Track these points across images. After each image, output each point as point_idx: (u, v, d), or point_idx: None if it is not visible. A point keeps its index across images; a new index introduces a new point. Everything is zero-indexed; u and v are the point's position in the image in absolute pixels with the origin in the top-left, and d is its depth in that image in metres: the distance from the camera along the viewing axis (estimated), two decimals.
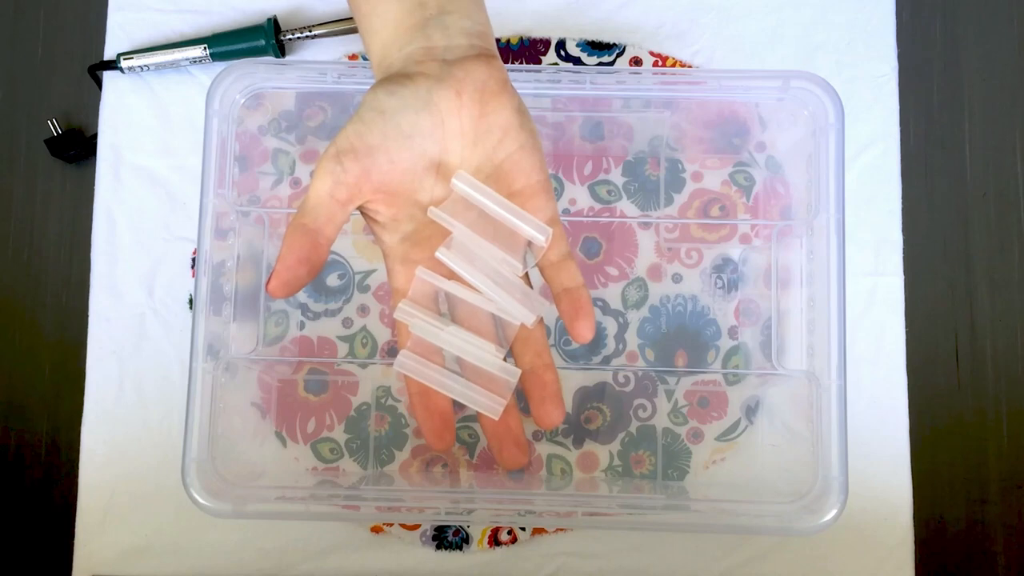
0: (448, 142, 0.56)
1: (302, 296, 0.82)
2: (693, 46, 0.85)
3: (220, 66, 0.83)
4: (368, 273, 0.83)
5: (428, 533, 0.80)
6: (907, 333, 0.82)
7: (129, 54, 0.84)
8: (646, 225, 0.83)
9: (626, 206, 0.83)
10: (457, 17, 0.57)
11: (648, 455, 0.81)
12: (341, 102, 0.76)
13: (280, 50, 0.84)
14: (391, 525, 0.80)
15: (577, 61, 0.85)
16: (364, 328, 0.82)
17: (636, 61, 0.85)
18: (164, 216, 0.84)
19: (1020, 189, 0.85)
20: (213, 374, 0.69)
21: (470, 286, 0.58)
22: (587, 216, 0.83)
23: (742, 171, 0.83)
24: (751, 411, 0.81)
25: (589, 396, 0.81)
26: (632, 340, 0.82)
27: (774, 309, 0.78)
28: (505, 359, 0.59)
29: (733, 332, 0.82)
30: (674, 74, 0.77)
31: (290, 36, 0.84)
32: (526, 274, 0.59)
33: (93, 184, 0.84)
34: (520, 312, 0.58)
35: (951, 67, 0.87)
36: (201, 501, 0.67)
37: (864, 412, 0.81)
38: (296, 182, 0.83)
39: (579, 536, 0.80)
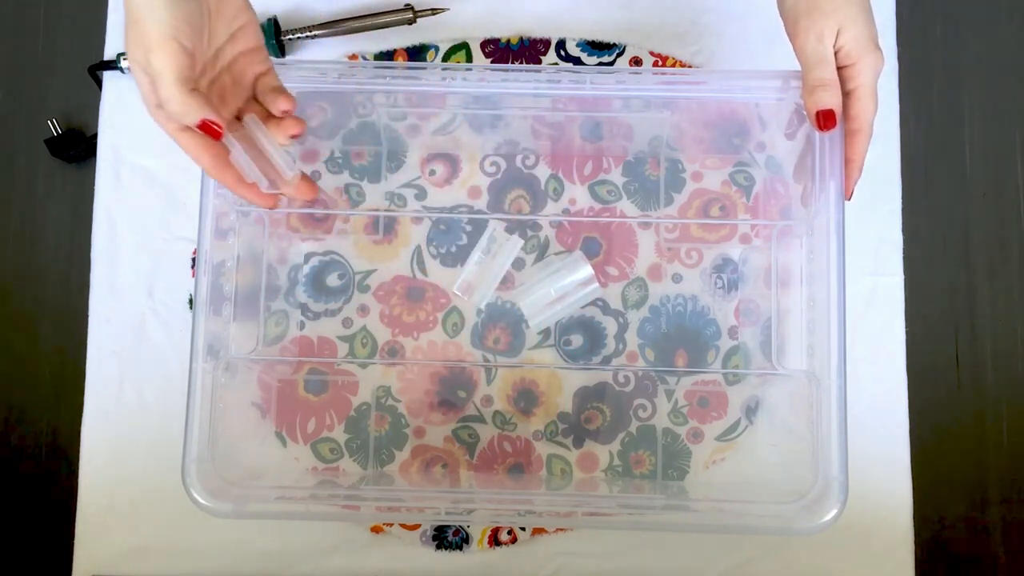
0: None
1: (302, 296, 0.82)
2: (693, 46, 0.85)
3: None
4: (368, 273, 0.83)
5: (428, 533, 0.80)
6: (907, 333, 0.82)
7: None
8: (646, 225, 0.83)
9: (626, 206, 0.83)
10: None
11: (648, 455, 0.81)
12: (341, 102, 0.76)
13: (280, 50, 0.84)
14: (391, 525, 0.80)
15: (577, 61, 0.85)
16: (364, 328, 0.82)
17: (636, 61, 0.85)
18: (164, 216, 0.84)
19: (1020, 189, 0.85)
20: (213, 374, 0.69)
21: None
22: (587, 216, 0.83)
23: (742, 171, 0.83)
24: (751, 411, 0.81)
25: (589, 396, 0.81)
26: (632, 340, 0.82)
27: (774, 309, 0.78)
28: None
29: (733, 332, 0.82)
30: (674, 74, 0.77)
31: (290, 36, 0.84)
32: None
33: (93, 184, 0.84)
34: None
35: (951, 67, 0.87)
36: (201, 501, 0.67)
37: (864, 412, 0.81)
38: None
39: (579, 536, 0.80)
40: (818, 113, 0.67)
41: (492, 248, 0.82)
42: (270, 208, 0.67)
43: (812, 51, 0.66)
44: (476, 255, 0.82)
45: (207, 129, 0.62)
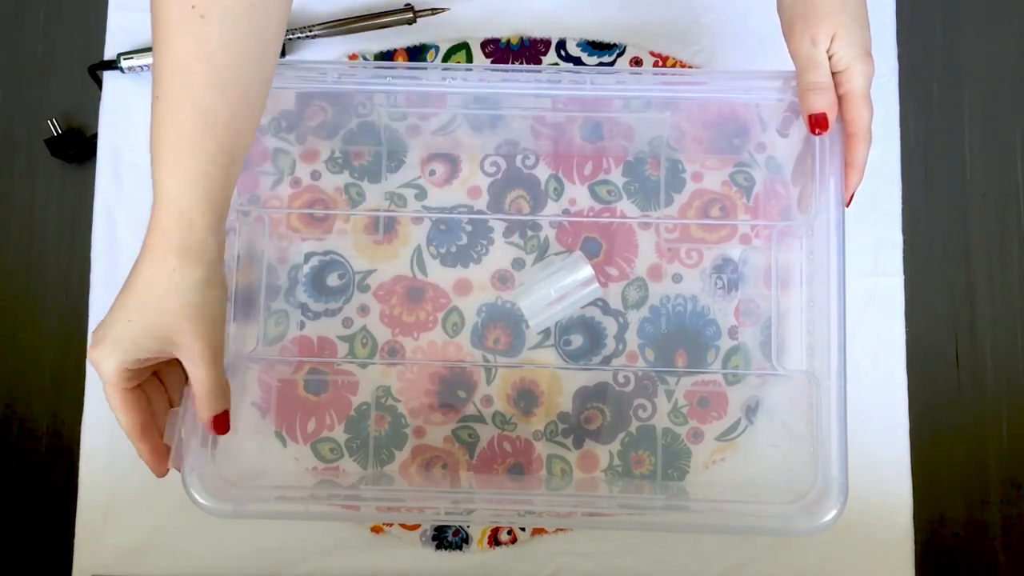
0: None
1: (302, 296, 0.82)
2: (693, 46, 0.85)
3: None
4: (368, 273, 0.83)
5: (428, 533, 0.80)
6: (907, 333, 0.82)
7: (129, 54, 0.84)
8: (646, 225, 0.83)
9: (626, 206, 0.83)
10: None
11: (648, 455, 0.81)
12: (341, 102, 0.76)
13: (280, 50, 0.84)
14: (391, 525, 0.80)
15: (577, 61, 0.85)
16: (364, 328, 0.82)
17: (636, 61, 0.85)
18: None
19: (1020, 189, 0.85)
20: None
21: None
22: (587, 216, 0.83)
23: (742, 171, 0.83)
24: (751, 411, 0.81)
25: (589, 396, 0.81)
26: (632, 340, 0.82)
27: (774, 309, 0.78)
28: None
29: (733, 332, 0.82)
30: (674, 74, 0.77)
31: (290, 36, 0.84)
32: None
33: (93, 184, 0.84)
34: None
35: (951, 67, 0.87)
36: (201, 501, 0.67)
37: (864, 412, 0.80)
38: (296, 182, 0.83)
39: (579, 536, 0.80)
40: (810, 116, 0.67)
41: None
42: (160, 475, 0.67)
43: (806, 54, 0.66)
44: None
45: (219, 423, 0.65)
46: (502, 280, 0.82)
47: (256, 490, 0.71)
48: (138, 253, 0.62)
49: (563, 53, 0.85)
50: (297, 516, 0.75)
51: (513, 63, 0.85)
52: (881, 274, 0.83)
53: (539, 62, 0.85)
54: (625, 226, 0.83)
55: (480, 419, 0.81)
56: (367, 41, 0.85)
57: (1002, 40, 0.87)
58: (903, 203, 0.83)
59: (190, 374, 0.64)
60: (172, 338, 0.62)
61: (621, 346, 0.82)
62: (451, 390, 0.82)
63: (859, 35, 0.66)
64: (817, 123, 0.67)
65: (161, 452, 0.66)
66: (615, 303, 0.82)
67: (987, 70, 0.86)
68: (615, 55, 0.85)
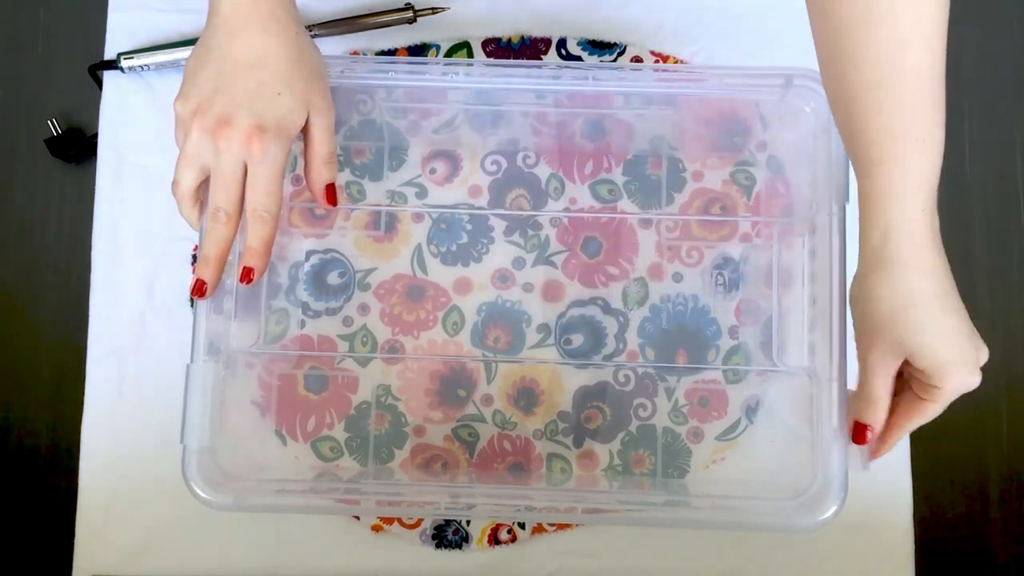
0: None
1: (303, 294, 0.82)
2: (693, 46, 0.85)
3: None
4: (369, 271, 0.83)
5: (428, 532, 0.80)
6: None
7: (129, 54, 0.84)
8: (647, 224, 0.83)
9: (627, 205, 0.83)
10: None
11: (648, 454, 0.81)
12: (342, 98, 0.76)
13: None
14: (391, 523, 0.80)
15: (578, 60, 0.85)
16: (364, 327, 0.82)
17: (637, 60, 0.85)
18: (164, 216, 0.83)
19: (1020, 189, 0.85)
20: (214, 371, 0.69)
21: None
22: (588, 215, 0.83)
23: (743, 170, 0.83)
24: (751, 410, 0.81)
25: (589, 395, 0.81)
26: (632, 339, 0.82)
27: (775, 308, 0.78)
28: None
29: (734, 331, 0.82)
30: (676, 70, 0.77)
31: None
32: None
33: (93, 184, 0.84)
34: None
35: (951, 67, 0.87)
36: (201, 494, 0.67)
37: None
38: (298, 179, 0.83)
39: (579, 535, 0.80)
40: (856, 423, 0.64)
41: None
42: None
43: (864, 373, 0.63)
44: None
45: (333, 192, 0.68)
46: (502, 279, 0.82)
47: (256, 483, 0.71)
48: (226, 42, 0.64)
49: (563, 52, 0.85)
50: (297, 509, 0.75)
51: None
52: None
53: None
54: (626, 225, 0.83)
55: (480, 418, 0.81)
56: (367, 40, 0.86)
57: (1002, 40, 0.87)
58: None
59: (316, 136, 0.66)
60: (312, 100, 0.65)
61: (621, 345, 0.82)
62: (451, 389, 0.81)
63: (945, 349, 0.59)
64: (857, 434, 0.64)
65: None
66: (615, 302, 0.82)
67: (987, 70, 0.86)
68: (615, 54, 0.85)
